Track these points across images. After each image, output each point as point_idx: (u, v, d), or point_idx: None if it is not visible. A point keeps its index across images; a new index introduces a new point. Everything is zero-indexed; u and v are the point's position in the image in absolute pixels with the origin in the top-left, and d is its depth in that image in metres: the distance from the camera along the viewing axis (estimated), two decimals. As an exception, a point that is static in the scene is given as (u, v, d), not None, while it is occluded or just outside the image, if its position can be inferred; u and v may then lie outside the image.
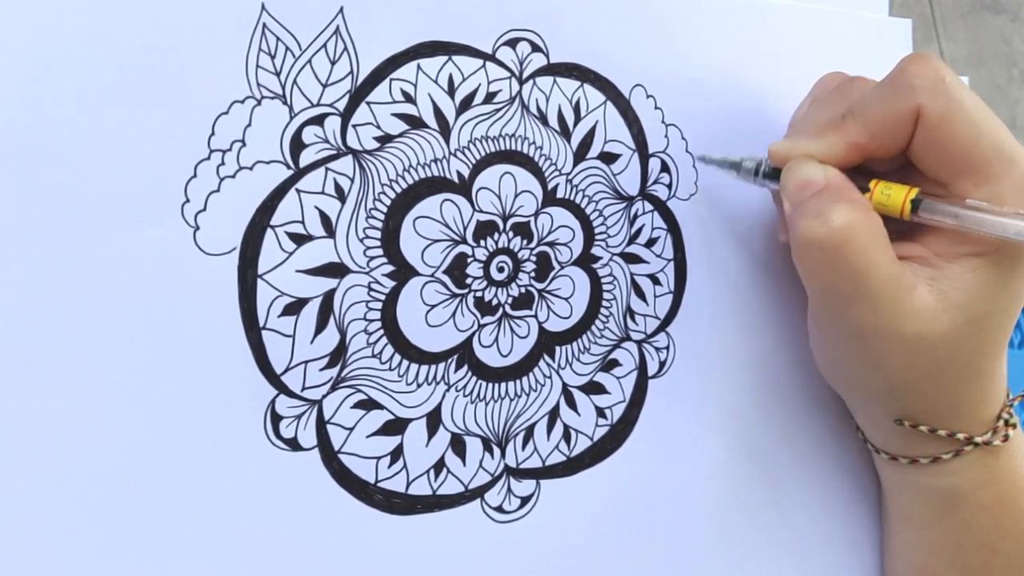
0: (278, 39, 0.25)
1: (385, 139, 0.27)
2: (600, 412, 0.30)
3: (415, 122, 0.27)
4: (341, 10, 0.26)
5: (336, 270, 0.26)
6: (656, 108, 0.31)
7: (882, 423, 0.31)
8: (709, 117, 0.32)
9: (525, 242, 0.29)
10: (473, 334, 0.28)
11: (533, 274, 0.29)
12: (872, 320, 0.26)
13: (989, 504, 0.30)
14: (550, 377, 0.29)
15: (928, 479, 0.31)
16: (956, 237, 0.27)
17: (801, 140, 0.28)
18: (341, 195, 0.26)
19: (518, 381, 0.29)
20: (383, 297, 0.27)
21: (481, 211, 0.28)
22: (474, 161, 0.28)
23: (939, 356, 0.27)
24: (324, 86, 0.26)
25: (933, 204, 0.26)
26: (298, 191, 0.25)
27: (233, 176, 0.24)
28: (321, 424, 0.26)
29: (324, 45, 0.25)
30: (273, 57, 0.25)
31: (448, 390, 0.28)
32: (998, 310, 0.27)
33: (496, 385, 0.28)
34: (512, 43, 0.28)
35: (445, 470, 0.28)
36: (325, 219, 0.26)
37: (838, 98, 0.30)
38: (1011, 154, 0.26)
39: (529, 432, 0.29)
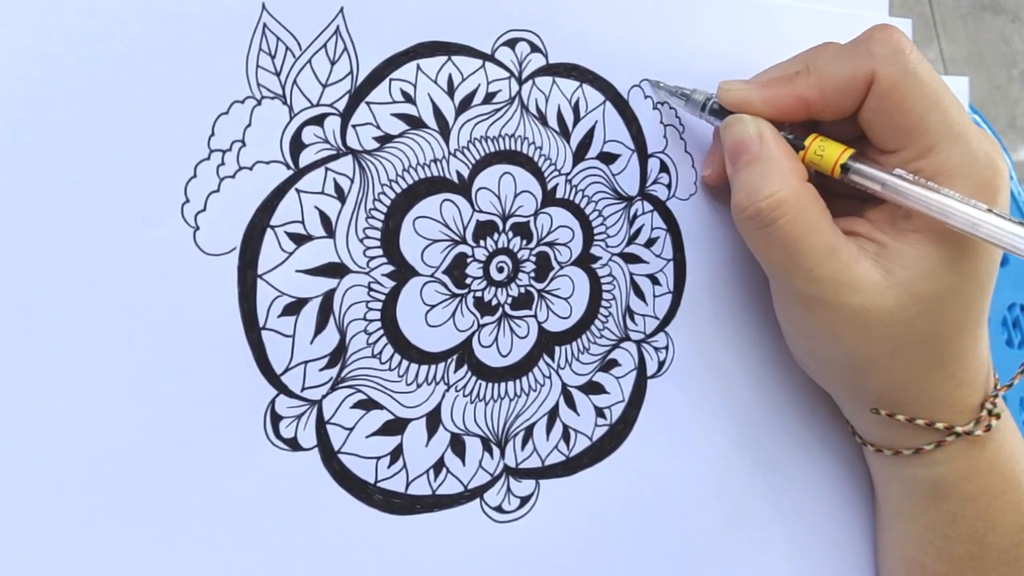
0: (278, 39, 0.25)
1: (385, 139, 0.27)
2: (599, 412, 0.30)
3: (415, 122, 0.27)
4: (341, 10, 0.26)
5: (336, 270, 0.26)
6: (655, 108, 0.31)
7: (862, 413, 0.31)
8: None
9: (525, 242, 0.29)
10: (473, 334, 0.28)
11: (533, 274, 0.29)
12: (813, 290, 0.27)
13: (975, 496, 0.30)
14: (549, 377, 0.29)
15: (913, 471, 0.31)
16: (900, 212, 0.27)
17: (751, 83, 0.29)
18: (341, 195, 0.26)
19: (517, 381, 0.29)
20: (383, 297, 0.27)
21: (481, 211, 0.28)
22: (474, 161, 0.28)
23: (893, 334, 0.27)
24: (324, 86, 0.26)
25: (862, 168, 0.26)
26: (298, 191, 0.25)
27: (233, 176, 0.24)
28: (321, 424, 0.26)
29: (324, 45, 0.25)
30: (273, 57, 0.25)
31: (448, 390, 0.28)
32: (949, 291, 0.27)
33: (496, 385, 0.29)
34: (511, 43, 0.28)
35: (445, 470, 0.28)
36: (325, 219, 0.26)
37: (804, 55, 0.30)
38: (959, 132, 0.26)
39: (528, 432, 0.29)
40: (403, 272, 0.27)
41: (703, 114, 0.30)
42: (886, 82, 0.26)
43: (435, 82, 0.27)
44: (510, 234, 0.29)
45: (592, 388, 0.30)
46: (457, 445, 0.28)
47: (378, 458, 0.27)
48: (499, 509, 0.28)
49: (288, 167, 0.25)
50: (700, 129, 0.32)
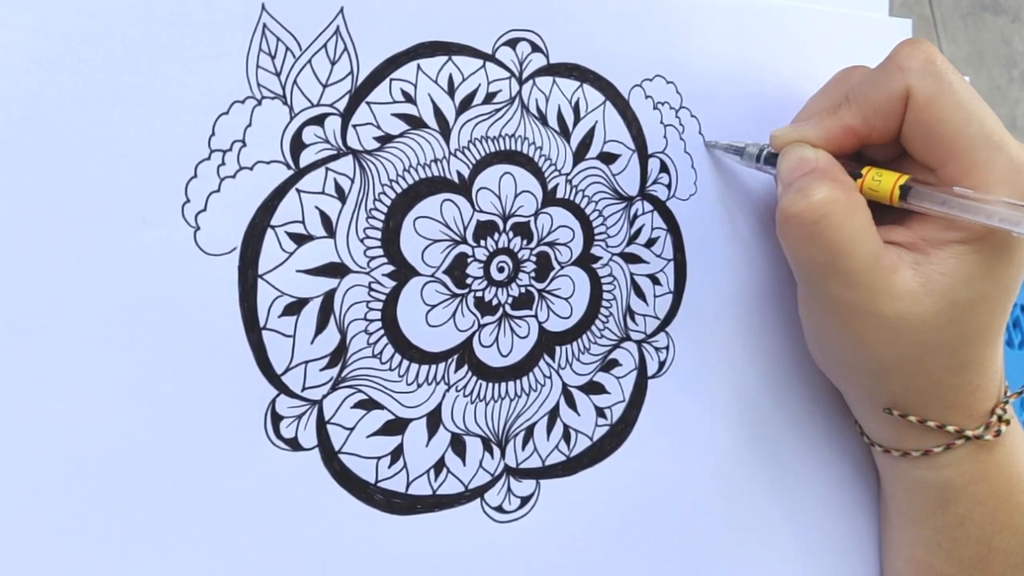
0: (278, 39, 0.25)
1: (385, 139, 0.27)
2: (600, 412, 0.30)
3: (415, 122, 0.27)
4: (341, 10, 0.26)
5: (336, 270, 0.26)
6: (655, 108, 0.31)
7: (874, 413, 0.31)
8: (708, 118, 0.32)
9: (525, 242, 0.29)
10: (473, 334, 0.28)
11: (533, 274, 0.29)
12: (849, 296, 0.27)
13: (983, 499, 0.30)
14: (550, 377, 0.29)
15: (920, 472, 0.31)
16: (943, 223, 0.27)
17: (799, 126, 0.29)
18: (341, 195, 0.26)
19: (518, 381, 0.29)
20: (383, 297, 0.27)
21: (481, 211, 0.28)
22: (474, 161, 0.28)
23: (921, 339, 0.27)
24: (324, 86, 0.26)
25: (921, 191, 0.27)
26: (298, 191, 0.25)
27: (233, 176, 0.24)
28: (321, 424, 0.26)
29: (324, 45, 0.25)
30: (273, 57, 0.25)
31: (448, 390, 0.28)
32: (981, 297, 0.27)
33: (496, 385, 0.28)
34: (512, 43, 0.28)
35: (445, 470, 0.28)
36: (325, 219, 0.26)
37: (838, 85, 0.30)
38: (999, 141, 0.26)
39: (529, 432, 0.29)
40: (403, 272, 0.27)
41: (759, 164, 0.30)
42: (922, 95, 0.26)
43: (435, 82, 0.27)
44: (510, 234, 0.29)
45: (593, 388, 0.30)
46: (457, 445, 0.28)
47: (378, 458, 0.27)
48: (500, 509, 0.28)
49: (288, 167, 0.25)
50: (700, 130, 0.32)
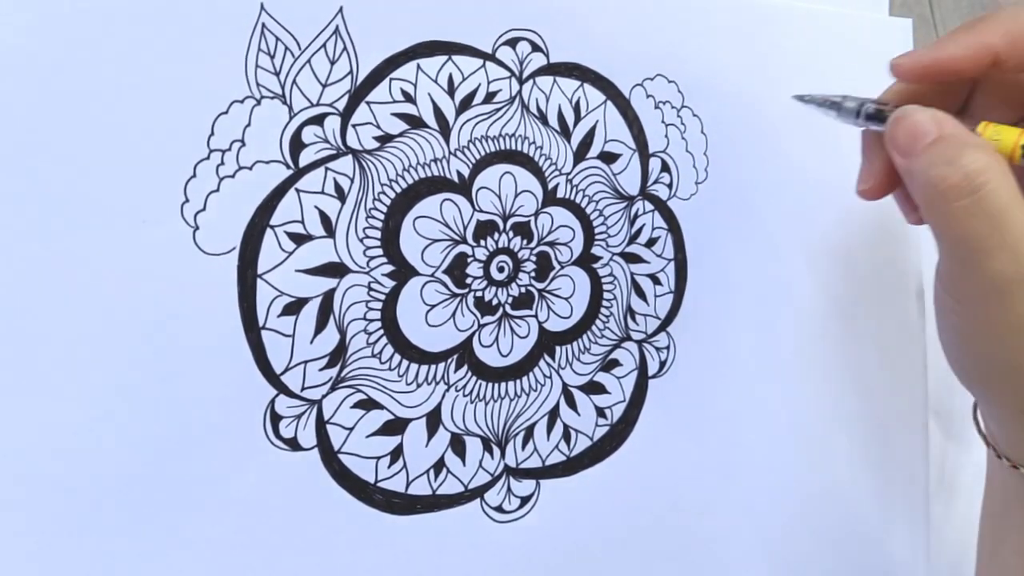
0: (277, 39, 0.25)
1: (385, 139, 0.27)
2: (600, 412, 0.30)
3: (415, 122, 0.27)
4: (340, 10, 0.26)
5: (336, 270, 0.26)
6: (656, 108, 0.31)
7: (1016, 420, 0.27)
8: (710, 117, 0.32)
9: (525, 242, 0.29)
10: (473, 334, 0.28)
11: (533, 274, 0.29)
12: (1013, 268, 0.24)
13: None
14: (550, 377, 0.29)
15: None
16: None
17: (926, 48, 0.26)
18: (341, 195, 0.26)
19: (518, 381, 0.29)
20: (383, 297, 0.27)
21: (481, 211, 0.28)
22: (474, 161, 0.28)
23: None
24: (324, 86, 0.26)
25: None
26: (298, 191, 0.25)
27: (233, 176, 0.24)
28: (321, 424, 0.26)
29: (323, 45, 0.25)
30: (272, 57, 0.25)
31: (448, 390, 0.28)
32: None
33: (496, 385, 0.28)
34: (512, 43, 0.28)
35: (445, 470, 0.28)
36: (325, 219, 0.26)
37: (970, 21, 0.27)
38: None
39: (529, 432, 0.29)
40: (403, 272, 0.27)
41: (859, 120, 0.28)
42: None
43: (435, 82, 0.27)
44: (510, 234, 0.29)
45: (593, 388, 0.30)
46: (457, 445, 0.28)
47: (378, 458, 0.27)
48: (499, 509, 0.28)
49: (288, 167, 0.25)
50: (702, 129, 0.32)
